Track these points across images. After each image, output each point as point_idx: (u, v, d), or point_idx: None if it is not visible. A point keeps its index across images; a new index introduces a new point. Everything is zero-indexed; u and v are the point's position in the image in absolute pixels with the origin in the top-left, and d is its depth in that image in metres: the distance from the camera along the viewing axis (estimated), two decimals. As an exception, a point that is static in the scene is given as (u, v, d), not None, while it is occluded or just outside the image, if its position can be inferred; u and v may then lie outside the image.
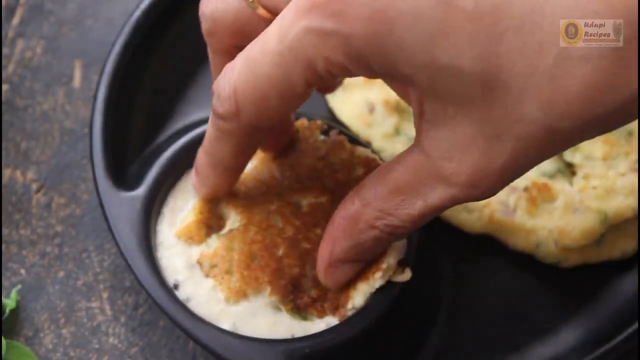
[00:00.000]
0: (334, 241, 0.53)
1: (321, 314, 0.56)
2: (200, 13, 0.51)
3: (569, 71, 0.42)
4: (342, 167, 0.58)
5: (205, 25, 0.51)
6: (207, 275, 0.56)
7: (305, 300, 0.56)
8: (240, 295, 0.55)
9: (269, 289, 0.55)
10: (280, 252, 0.56)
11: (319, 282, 0.56)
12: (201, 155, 0.55)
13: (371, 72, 0.45)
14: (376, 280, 0.54)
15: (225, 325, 0.55)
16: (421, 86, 0.44)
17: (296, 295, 0.56)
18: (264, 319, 0.55)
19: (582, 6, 0.41)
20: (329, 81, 0.46)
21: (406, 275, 0.55)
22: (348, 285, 0.55)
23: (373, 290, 0.55)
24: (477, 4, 0.41)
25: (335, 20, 0.42)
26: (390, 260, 0.55)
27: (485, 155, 0.45)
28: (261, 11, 0.48)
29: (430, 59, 0.42)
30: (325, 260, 0.53)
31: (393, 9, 0.41)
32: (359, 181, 0.55)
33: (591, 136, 0.45)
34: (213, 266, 0.56)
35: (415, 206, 0.49)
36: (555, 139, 0.44)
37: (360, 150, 0.59)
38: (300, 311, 0.56)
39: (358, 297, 0.55)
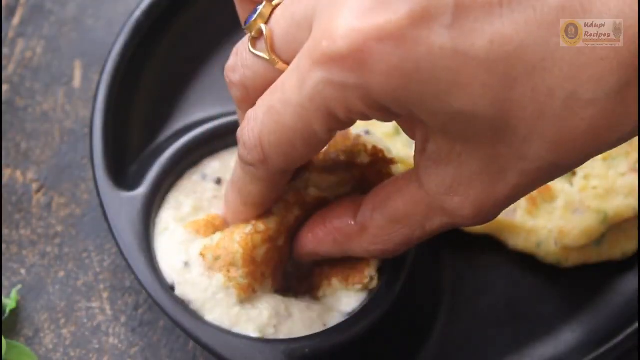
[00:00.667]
0: (322, 244, 0.54)
1: (297, 293, 0.58)
2: (228, 81, 0.52)
3: (577, 113, 0.43)
4: (345, 154, 0.58)
5: (237, 94, 0.52)
6: (210, 268, 0.55)
7: (290, 284, 0.58)
8: (250, 291, 0.55)
9: (271, 280, 0.56)
10: (281, 242, 0.56)
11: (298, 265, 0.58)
12: (230, 192, 0.56)
13: (389, 116, 0.45)
14: (355, 288, 0.56)
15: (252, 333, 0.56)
16: (433, 128, 0.45)
17: (286, 277, 0.58)
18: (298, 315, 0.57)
19: (589, 51, 0.42)
20: (349, 125, 0.47)
21: (373, 283, 0.57)
22: (324, 271, 0.57)
23: (348, 294, 0.57)
24: (491, 51, 0.41)
25: (355, 75, 0.43)
26: (371, 272, 0.56)
27: (489, 189, 0.46)
28: (280, 66, 0.48)
29: (446, 107, 0.43)
30: (305, 251, 0.55)
31: (410, 63, 0.42)
32: (363, 169, 0.55)
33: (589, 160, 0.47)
34: (216, 258, 0.55)
35: (413, 235, 0.50)
36: (558, 171, 0.46)
37: (365, 138, 0.58)
38: (287, 291, 0.57)
39: (332, 295, 0.57)
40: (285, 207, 0.56)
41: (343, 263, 0.57)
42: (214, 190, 0.60)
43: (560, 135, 0.43)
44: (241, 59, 0.50)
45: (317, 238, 0.55)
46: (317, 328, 0.56)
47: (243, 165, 0.52)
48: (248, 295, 0.55)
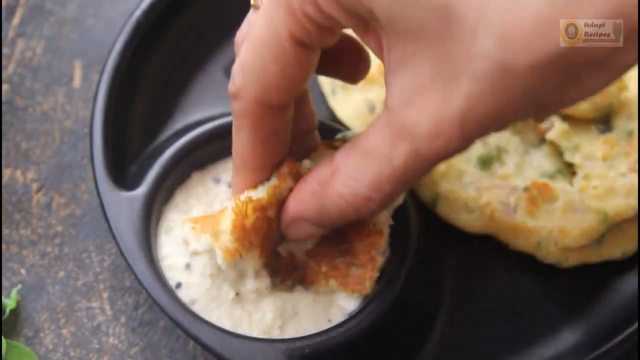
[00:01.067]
0: (301, 200, 0.53)
1: (285, 279, 0.57)
2: (235, 47, 0.54)
3: (523, 4, 0.41)
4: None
5: (238, 52, 0.53)
6: (199, 237, 0.55)
7: (279, 265, 0.57)
8: (236, 255, 0.54)
9: (258, 251, 0.55)
10: (272, 213, 0.55)
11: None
12: (232, 166, 0.56)
13: (342, 11, 0.46)
14: (353, 294, 0.57)
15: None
16: (382, 21, 0.45)
17: (277, 259, 0.57)
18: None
19: None
20: (314, 35, 0.48)
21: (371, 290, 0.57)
22: (321, 269, 0.57)
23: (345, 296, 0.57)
24: None
25: None
26: (374, 274, 0.56)
27: (443, 99, 0.44)
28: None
29: None
30: (289, 216, 0.54)
31: None
32: None
33: (553, 88, 0.44)
34: (206, 226, 0.55)
35: (382, 172, 0.48)
36: (512, 83, 0.43)
37: None
38: (274, 273, 0.57)
39: (324, 289, 0.57)
40: (278, 177, 0.55)
41: (343, 265, 0.57)
42: (227, 193, 0.60)
43: (507, 29, 0.41)
44: (246, 21, 0.53)
45: (298, 194, 0.54)
46: (323, 324, 0.56)
47: (231, 108, 0.52)
48: (234, 259, 0.54)
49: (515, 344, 0.61)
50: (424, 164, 0.47)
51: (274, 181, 0.55)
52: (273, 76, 0.50)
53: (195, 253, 0.56)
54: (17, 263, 0.64)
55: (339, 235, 0.57)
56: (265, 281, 0.56)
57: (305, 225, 0.54)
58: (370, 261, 0.56)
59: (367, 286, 0.56)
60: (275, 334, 0.56)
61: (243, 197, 0.54)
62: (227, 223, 0.54)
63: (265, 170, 0.55)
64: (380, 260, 0.57)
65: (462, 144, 0.46)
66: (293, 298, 0.57)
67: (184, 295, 0.57)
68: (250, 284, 0.56)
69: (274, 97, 0.51)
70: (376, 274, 0.57)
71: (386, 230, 0.57)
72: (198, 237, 0.55)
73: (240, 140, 0.54)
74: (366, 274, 0.56)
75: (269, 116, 0.52)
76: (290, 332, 0.56)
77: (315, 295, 0.57)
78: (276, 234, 0.56)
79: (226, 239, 0.54)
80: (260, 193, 0.54)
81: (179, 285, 0.57)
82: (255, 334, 0.56)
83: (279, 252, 0.57)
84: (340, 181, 0.51)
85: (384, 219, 0.57)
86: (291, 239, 0.56)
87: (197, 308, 0.56)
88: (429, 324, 0.62)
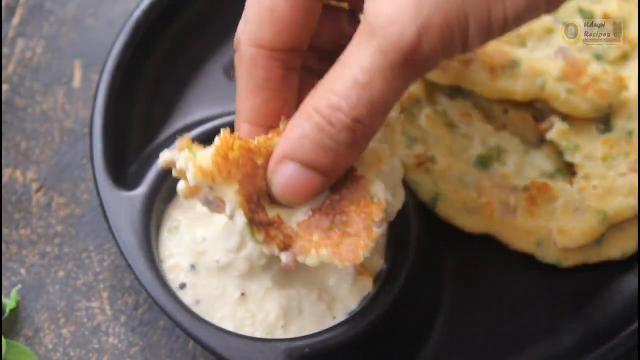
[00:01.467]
0: (287, 138, 0.52)
1: (268, 240, 0.53)
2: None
3: None
4: None
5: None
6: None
7: (262, 217, 0.54)
8: (208, 177, 0.52)
9: (237, 187, 0.53)
10: (260, 160, 0.54)
11: (279, 206, 0.54)
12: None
13: None
14: (345, 264, 0.52)
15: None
16: None
17: (256, 209, 0.54)
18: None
19: None
20: None
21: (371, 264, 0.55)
22: (313, 237, 0.53)
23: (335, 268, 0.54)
24: None
25: None
26: (366, 254, 0.53)
27: None
28: None
29: None
30: (276, 156, 0.52)
31: None
32: None
33: None
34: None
35: (353, 76, 0.48)
36: None
37: None
38: (252, 225, 0.53)
39: (316, 270, 0.55)
40: (273, 132, 0.54)
41: (336, 235, 0.54)
42: None
43: None
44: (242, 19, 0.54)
45: (286, 133, 0.52)
46: (328, 322, 0.56)
47: (235, 66, 0.54)
48: (204, 178, 0.52)
49: (515, 344, 0.61)
50: (387, 63, 0.48)
51: (268, 134, 0.54)
52: (267, 19, 0.51)
53: (178, 174, 0.54)
54: (17, 263, 0.64)
55: (334, 208, 0.54)
56: (244, 226, 0.53)
57: (289, 167, 0.52)
58: (365, 230, 0.53)
59: (361, 256, 0.52)
60: (278, 334, 0.56)
61: (234, 134, 0.53)
62: (211, 148, 0.52)
63: (262, 129, 0.54)
64: (376, 231, 0.53)
65: (417, 31, 0.47)
66: (298, 296, 0.57)
67: (189, 296, 0.57)
68: (228, 211, 0.53)
69: (265, 36, 0.51)
70: (372, 244, 0.53)
71: (383, 202, 0.54)
72: (179, 153, 0.53)
73: (237, 92, 0.54)
74: (360, 241, 0.53)
75: (263, 60, 0.52)
76: (294, 332, 0.56)
77: (320, 293, 0.57)
78: (263, 185, 0.54)
79: (204, 160, 0.52)
80: (253, 138, 0.53)
81: (183, 286, 0.57)
82: (258, 334, 0.56)
83: (266, 211, 0.54)
84: (318, 95, 0.50)
85: (382, 192, 0.54)
86: (278, 192, 0.53)
87: (201, 308, 0.56)
88: (429, 324, 0.62)
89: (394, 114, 0.55)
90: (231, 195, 0.52)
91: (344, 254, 0.52)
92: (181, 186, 0.53)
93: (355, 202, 0.54)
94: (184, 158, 0.52)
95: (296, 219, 0.54)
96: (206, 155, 0.52)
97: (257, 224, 0.53)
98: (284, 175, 0.52)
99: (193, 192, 0.53)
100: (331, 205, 0.54)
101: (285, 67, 0.53)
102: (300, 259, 0.53)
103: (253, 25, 0.52)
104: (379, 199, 0.54)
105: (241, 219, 0.52)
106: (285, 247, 0.53)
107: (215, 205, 0.54)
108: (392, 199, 0.56)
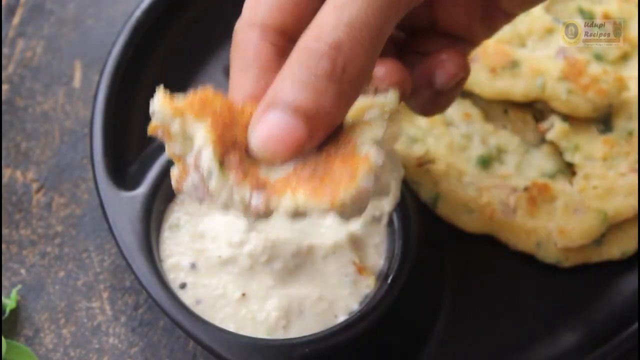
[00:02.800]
0: (274, 84, 0.50)
1: (239, 180, 0.49)
2: None
3: None
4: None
5: None
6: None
7: (235, 160, 0.50)
8: (172, 104, 0.50)
9: (209, 125, 0.49)
10: (242, 121, 0.50)
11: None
12: None
13: None
14: (322, 204, 0.48)
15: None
16: None
17: (230, 150, 0.49)
18: None
19: None
20: None
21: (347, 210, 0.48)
22: (291, 181, 0.49)
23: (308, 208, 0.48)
24: None
25: None
26: (345, 196, 0.48)
27: None
28: None
29: None
30: (259, 108, 0.49)
31: None
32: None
33: None
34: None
35: (330, 1, 0.48)
36: None
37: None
38: (223, 167, 0.49)
39: (289, 199, 0.48)
40: None
41: (315, 181, 0.49)
42: None
43: None
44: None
45: (273, 84, 0.50)
46: (329, 321, 0.56)
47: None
48: (172, 110, 0.49)
49: (515, 344, 0.61)
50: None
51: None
52: None
53: (152, 113, 0.52)
54: (17, 263, 0.64)
55: (318, 163, 0.50)
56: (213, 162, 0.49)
57: (273, 115, 0.48)
58: (349, 178, 0.48)
59: (341, 196, 0.47)
60: (279, 334, 0.56)
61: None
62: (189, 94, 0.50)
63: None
64: (361, 182, 0.48)
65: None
66: (299, 296, 0.57)
67: (189, 295, 0.57)
68: (195, 148, 0.49)
69: (259, 12, 0.50)
70: (353, 191, 0.47)
71: (371, 157, 0.49)
72: (159, 97, 0.50)
73: (230, 72, 0.52)
74: (341, 185, 0.48)
75: (254, 39, 0.51)
76: (295, 332, 0.56)
77: (321, 292, 0.57)
78: (243, 143, 0.50)
79: (176, 98, 0.50)
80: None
81: (183, 285, 0.57)
82: (259, 334, 0.56)
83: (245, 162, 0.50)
84: (307, 32, 0.48)
85: (370, 148, 0.49)
86: (259, 144, 0.49)
87: (202, 308, 0.56)
88: (429, 324, 0.62)
89: (391, 96, 0.51)
90: (202, 131, 0.49)
91: (322, 196, 0.48)
92: (174, 172, 0.50)
93: (341, 158, 0.49)
94: (157, 98, 0.50)
95: (276, 174, 0.50)
96: (181, 95, 0.49)
97: (228, 166, 0.49)
98: (266, 125, 0.49)
99: (182, 176, 0.50)
100: (316, 161, 0.50)
101: (275, 47, 0.51)
102: (274, 202, 0.48)
103: (247, 4, 0.51)
104: (367, 153, 0.49)
105: (208, 153, 0.48)
106: (259, 190, 0.49)
107: (202, 192, 0.50)
108: (387, 166, 0.52)
